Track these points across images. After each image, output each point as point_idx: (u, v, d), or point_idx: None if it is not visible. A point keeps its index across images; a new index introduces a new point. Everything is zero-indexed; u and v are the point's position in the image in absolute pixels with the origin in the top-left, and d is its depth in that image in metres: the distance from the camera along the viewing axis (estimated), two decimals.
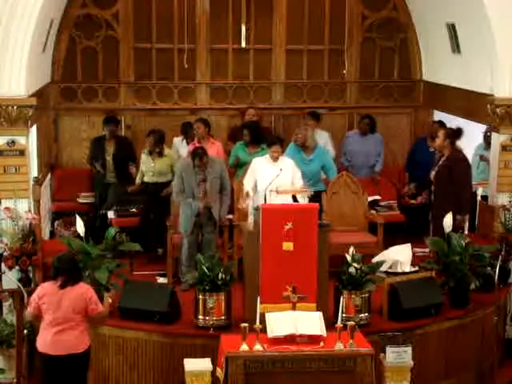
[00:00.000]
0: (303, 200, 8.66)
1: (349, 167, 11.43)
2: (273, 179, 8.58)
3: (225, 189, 9.42)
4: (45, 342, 7.09)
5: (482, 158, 10.83)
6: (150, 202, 10.38)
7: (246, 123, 10.95)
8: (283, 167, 8.99)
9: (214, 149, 10.52)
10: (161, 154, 10.48)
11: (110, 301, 7.48)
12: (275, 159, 9.17)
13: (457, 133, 9.65)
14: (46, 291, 7.11)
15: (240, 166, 10.36)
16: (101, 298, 7.38)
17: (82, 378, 7.20)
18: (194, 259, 9.09)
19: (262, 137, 10.46)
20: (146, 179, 10.55)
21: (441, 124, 11.66)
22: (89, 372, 7.39)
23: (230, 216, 9.83)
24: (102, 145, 11.00)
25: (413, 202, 11.05)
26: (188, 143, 10.94)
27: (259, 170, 9.22)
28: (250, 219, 9.20)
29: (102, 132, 11.20)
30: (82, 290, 7.09)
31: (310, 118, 11.26)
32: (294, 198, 8.66)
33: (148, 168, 10.49)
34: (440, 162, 9.59)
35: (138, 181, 10.63)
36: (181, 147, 11.09)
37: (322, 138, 11.11)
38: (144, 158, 10.58)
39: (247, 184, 9.22)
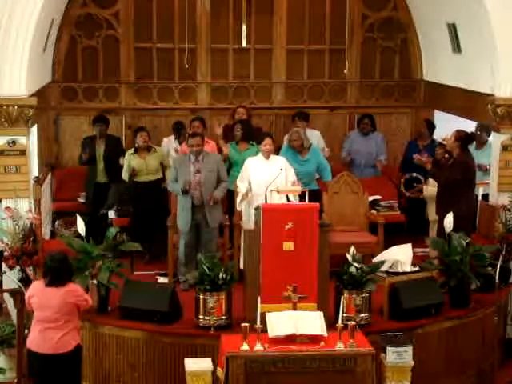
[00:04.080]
0: (294, 199, 8.74)
1: (350, 160, 11.52)
2: (274, 179, 8.60)
3: (222, 180, 9.36)
4: (32, 338, 7.19)
5: (481, 168, 10.72)
6: (143, 203, 10.30)
7: (238, 120, 11.01)
8: (278, 166, 9.06)
9: (209, 147, 10.53)
10: (149, 150, 10.45)
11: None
12: (267, 154, 9.27)
13: (467, 137, 9.59)
14: (35, 289, 7.20)
15: (231, 166, 10.37)
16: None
17: (69, 378, 7.18)
18: (192, 259, 9.13)
19: (252, 134, 10.54)
20: (139, 179, 10.41)
21: (428, 123, 11.70)
22: (79, 373, 7.36)
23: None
24: (92, 145, 10.97)
25: (408, 194, 11.01)
26: (180, 143, 10.94)
27: (252, 169, 9.30)
28: (244, 219, 9.26)
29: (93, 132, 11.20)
30: (69, 291, 7.11)
31: (298, 119, 11.28)
32: (287, 197, 8.74)
33: (140, 167, 10.37)
34: (447, 163, 9.58)
35: (125, 178, 10.50)
36: (172, 147, 11.06)
37: (313, 138, 11.11)
38: (131, 157, 10.41)
39: (241, 184, 9.32)
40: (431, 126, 11.69)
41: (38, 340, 7.12)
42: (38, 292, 7.17)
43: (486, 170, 10.56)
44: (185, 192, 9.14)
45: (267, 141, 9.38)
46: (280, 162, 9.36)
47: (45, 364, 7.11)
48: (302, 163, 10.05)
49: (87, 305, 7.24)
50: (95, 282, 7.61)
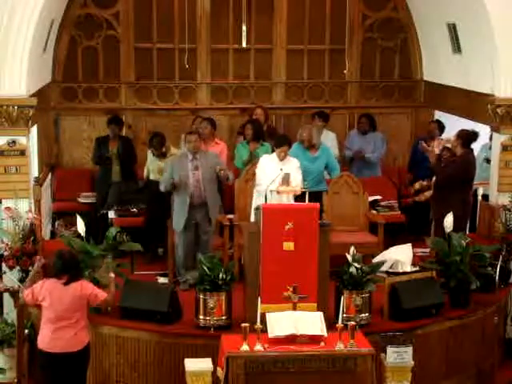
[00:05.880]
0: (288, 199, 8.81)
1: (350, 160, 11.52)
2: (273, 179, 8.59)
3: (225, 169, 9.32)
4: (44, 339, 7.16)
5: (489, 161, 10.70)
6: (154, 201, 10.35)
7: (249, 119, 11.02)
8: (287, 167, 9.04)
9: (218, 149, 10.55)
10: (164, 155, 10.48)
11: (112, 275, 7.59)
12: (282, 158, 9.23)
13: (470, 135, 9.59)
14: (48, 289, 7.15)
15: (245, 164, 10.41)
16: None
17: (79, 375, 7.23)
18: (191, 259, 9.13)
19: (263, 133, 10.58)
20: (151, 177, 10.53)
21: (438, 123, 11.69)
22: (87, 370, 7.41)
23: (231, 216, 9.85)
24: (105, 145, 11.02)
25: (420, 198, 10.96)
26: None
27: (265, 167, 9.27)
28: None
29: (104, 132, 11.23)
30: (81, 288, 7.14)
31: (318, 118, 11.28)
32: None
33: (154, 166, 10.48)
34: (447, 161, 9.58)
35: (146, 174, 10.66)
36: None
37: (329, 139, 11.14)
38: (150, 156, 10.58)
39: (261, 181, 9.23)
40: (441, 127, 11.65)
41: (50, 340, 7.09)
42: (52, 291, 7.13)
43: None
44: (175, 186, 9.09)
45: (284, 148, 9.28)
46: (293, 163, 9.28)
47: (58, 363, 7.09)
48: (311, 160, 10.05)
49: (98, 300, 7.21)
50: (112, 275, 7.58)
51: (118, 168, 10.97)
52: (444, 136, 11.19)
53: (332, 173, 10.29)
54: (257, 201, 9.19)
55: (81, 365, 7.22)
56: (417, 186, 10.58)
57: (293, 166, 9.20)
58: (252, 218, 9.22)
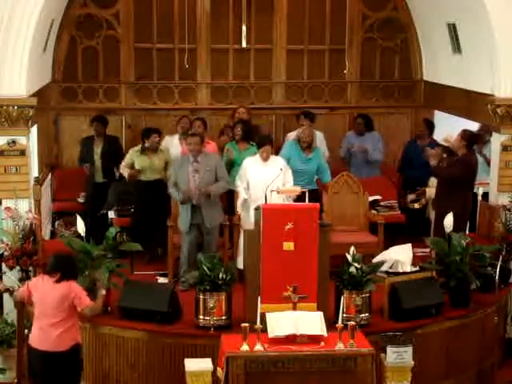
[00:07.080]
0: (289, 200, 8.89)
1: (348, 159, 11.52)
2: (274, 179, 8.60)
3: (220, 179, 9.24)
4: (32, 335, 7.23)
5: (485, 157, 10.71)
6: (144, 202, 10.31)
7: (239, 120, 10.98)
8: (276, 167, 9.08)
9: (209, 148, 10.53)
10: (156, 150, 10.42)
11: (103, 292, 7.57)
12: (265, 159, 9.26)
13: (474, 137, 9.63)
14: (39, 284, 7.24)
15: (232, 166, 10.36)
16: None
17: (67, 377, 7.19)
18: (194, 260, 9.12)
19: (252, 135, 10.57)
20: (142, 178, 10.41)
21: (427, 123, 11.69)
22: (78, 372, 7.40)
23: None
24: (90, 145, 10.99)
25: (415, 206, 10.96)
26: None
27: (250, 169, 9.33)
28: (242, 218, 9.29)
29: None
30: (69, 288, 7.14)
31: (304, 118, 11.26)
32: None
33: (144, 166, 10.36)
34: (450, 162, 9.59)
35: (123, 173, 10.50)
36: (172, 146, 11.01)
37: (316, 138, 11.10)
38: (135, 156, 10.38)
39: (242, 190, 9.45)
40: (430, 126, 11.68)
41: (37, 336, 7.15)
42: (41, 287, 7.19)
43: (488, 162, 10.53)
44: (183, 202, 9.17)
45: (266, 148, 9.37)
46: (279, 162, 9.38)
47: (44, 361, 7.13)
48: (305, 161, 10.07)
49: (81, 304, 7.16)
50: (104, 292, 7.60)
51: (99, 167, 10.92)
52: (443, 135, 11.19)
53: (322, 175, 10.26)
54: (241, 207, 9.40)
55: (66, 366, 7.16)
56: (410, 197, 10.64)
57: (280, 165, 9.23)
58: (242, 220, 9.31)
